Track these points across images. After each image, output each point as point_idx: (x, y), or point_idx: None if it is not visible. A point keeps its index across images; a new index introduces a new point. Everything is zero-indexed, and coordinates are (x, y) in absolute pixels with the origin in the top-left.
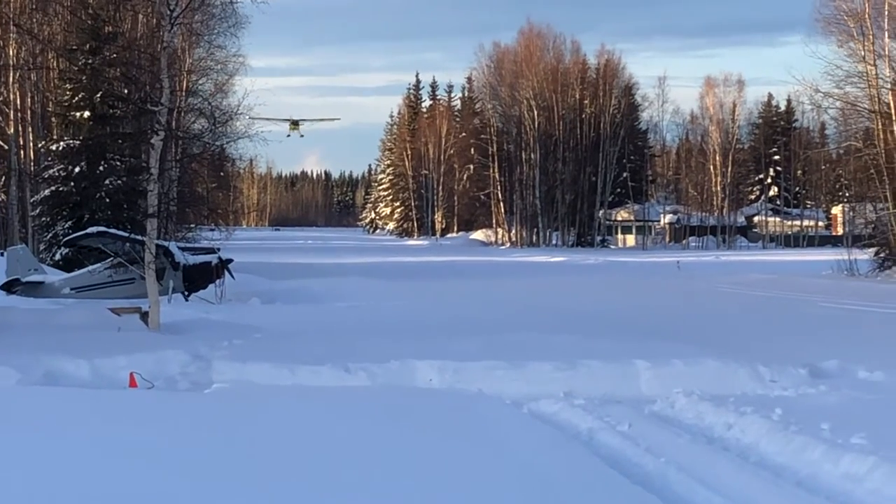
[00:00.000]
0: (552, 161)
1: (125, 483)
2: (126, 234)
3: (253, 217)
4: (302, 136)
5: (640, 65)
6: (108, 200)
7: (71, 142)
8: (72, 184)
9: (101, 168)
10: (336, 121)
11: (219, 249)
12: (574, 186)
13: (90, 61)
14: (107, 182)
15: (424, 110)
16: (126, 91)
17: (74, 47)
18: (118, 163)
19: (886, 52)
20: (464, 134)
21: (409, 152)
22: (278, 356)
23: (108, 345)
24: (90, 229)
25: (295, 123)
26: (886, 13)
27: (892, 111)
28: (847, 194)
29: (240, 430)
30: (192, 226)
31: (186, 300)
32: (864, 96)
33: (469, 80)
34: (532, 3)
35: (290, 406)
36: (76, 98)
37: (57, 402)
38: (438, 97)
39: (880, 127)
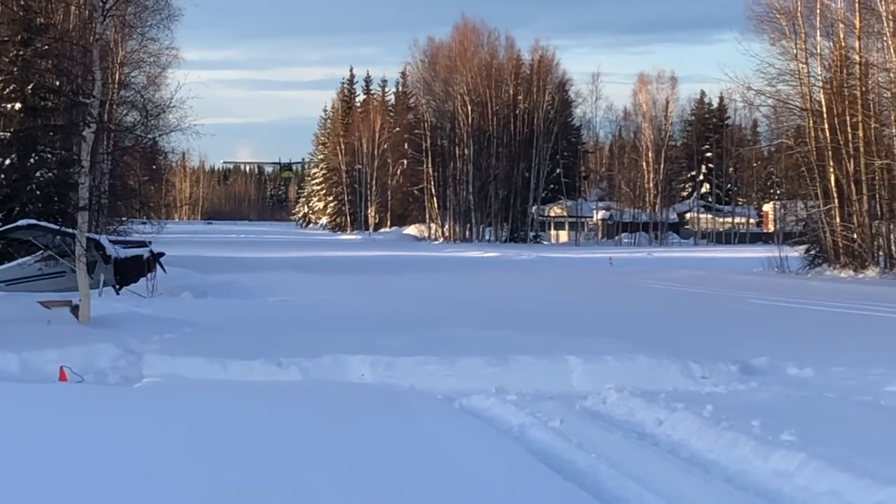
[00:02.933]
0: (485, 157)
1: (54, 476)
2: (57, 227)
3: (185, 210)
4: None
5: (574, 61)
6: (38, 193)
7: (1, 134)
8: (2, 176)
9: (31, 160)
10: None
11: (150, 243)
12: (507, 182)
13: (21, 53)
14: (38, 174)
15: (358, 105)
16: (58, 83)
17: (5, 38)
18: (49, 155)
19: (818, 51)
20: (397, 129)
21: (342, 147)
22: (210, 350)
23: (37, 338)
24: (20, 222)
25: (288, 168)
26: (818, 12)
27: (824, 109)
28: (778, 192)
29: (171, 424)
30: (124, 219)
31: (117, 293)
32: (796, 94)
33: (403, 75)
34: None
35: (221, 401)
36: (7, 90)
37: None
38: (372, 92)
39: (811, 125)
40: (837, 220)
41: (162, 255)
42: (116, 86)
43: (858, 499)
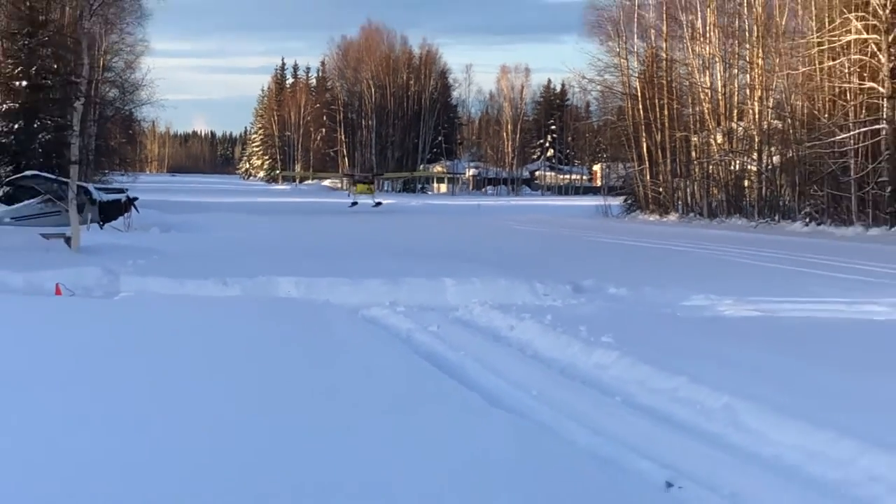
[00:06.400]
0: (385, 127)
1: (55, 370)
2: (54, 177)
3: (154, 165)
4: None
5: (453, 55)
6: (40, 150)
7: (12, 104)
8: (12, 137)
9: (35, 125)
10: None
11: (127, 190)
12: (401, 146)
13: (27, 42)
14: (39, 136)
15: (288, 86)
16: (55, 66)
17: (14, 31)
18: (48, 122)
19: (635, 50)
20: (317, 105)
21: (275, 118)
22: (172, 272)
23: (38, 261)
24: (26, 173)
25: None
26: (636, 20)
27: (639, 94)
28: (604, 155)
29: (144, 325)
30: (106, 171)
31: (101, 229)
32: (619, 82)
33: (322, 63)
34: (372, 4)
35: (181, 309)
36: (16, 70)
37: None
38: (299, 76)
39: (630, 106)
40: (648, 177)
41: (136, 199)
42: (101, 69)
43: (658, 385)
